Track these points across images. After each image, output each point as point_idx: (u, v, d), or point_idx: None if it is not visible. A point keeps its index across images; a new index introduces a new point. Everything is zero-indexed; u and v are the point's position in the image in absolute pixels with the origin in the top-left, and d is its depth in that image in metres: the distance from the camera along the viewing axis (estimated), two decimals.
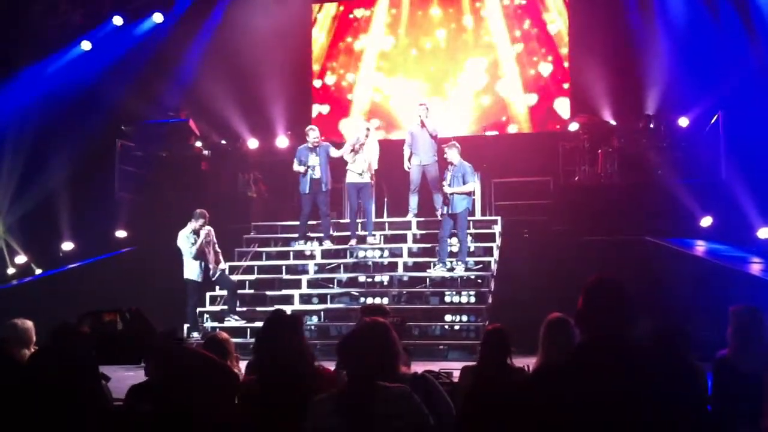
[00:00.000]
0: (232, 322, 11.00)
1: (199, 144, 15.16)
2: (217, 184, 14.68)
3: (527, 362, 5.17)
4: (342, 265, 12.15)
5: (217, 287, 11.56)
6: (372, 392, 3.42)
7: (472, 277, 11.38)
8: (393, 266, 11.97)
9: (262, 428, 3.97)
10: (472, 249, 11.87)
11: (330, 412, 3.43)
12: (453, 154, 11.25)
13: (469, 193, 11.33)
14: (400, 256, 12.09)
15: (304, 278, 11.94)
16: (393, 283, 11.71)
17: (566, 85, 15.35)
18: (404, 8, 16.21)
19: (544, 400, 3.16)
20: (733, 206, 11.50)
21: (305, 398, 3.61)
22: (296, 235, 12.58)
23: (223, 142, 15.76)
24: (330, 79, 16.52)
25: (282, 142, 15.63)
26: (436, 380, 4.69)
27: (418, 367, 5.38)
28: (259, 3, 15.79)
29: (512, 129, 15.62)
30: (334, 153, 12.15)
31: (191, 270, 10.95)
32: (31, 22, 14.55)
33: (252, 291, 11.95)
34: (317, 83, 16.53)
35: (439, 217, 11.74)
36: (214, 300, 11.72)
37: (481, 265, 11.60)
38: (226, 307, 11.32)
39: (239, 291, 11.57)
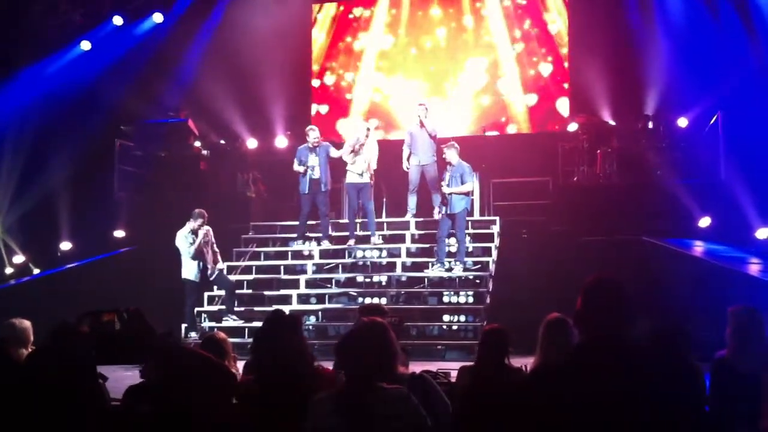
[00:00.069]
0: (230, 322, 10.99)
1: (198, 144, 15.16)
2: (216, 184, 14.67)
3: (525, 362, 5.17)
4: (340, 265, 12.14)
5: (215, 287, 11.56)
6: (371, 392, 3.42)
7: (471, 277, 11.38)
8: (391, 266, 11.97)
9: (260, 428, 3.97)
10: (470, 249, 11.87)
11: (329, 412, 3.43)
12: (451, 155, 11.25)
13: (467, 193, 11.33)
14: (399, 256, 12.09)
15: (303, 278, 11.94)
16: (391, 283, 11.70)
17: (566, 86, 15.35)
18: (404, 8, 16.20)
19: (542, 400, 3.16)
20: (732, 207, 11.50)
21: (305, 398, 3.61)
22: (295, 235, 12.59)
23: (222, 141, 15.75)
24: (329, 79, 16.51)
25: (281, 142, 15.63)
26: (434, 380, 4.70)
27: (416, 367, 5.39)
28: (259, 3, 15.77)
29: (511, 129, 15.62)
30: (334, 153, 12.15)
31: (189, 270, 10.94)
32: (31, 22, 14.54)
33: (250, 291, 11.95)
34: (316, 83, 16.53)
35: (436, 217, 11.74)
36: (212, 300, 11.71)
37: (479, 266, 11.60)
38: (224, 307, 11.31)
39: (237, 291, 11.57)
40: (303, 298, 11.63)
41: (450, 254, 11.49)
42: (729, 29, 13.14)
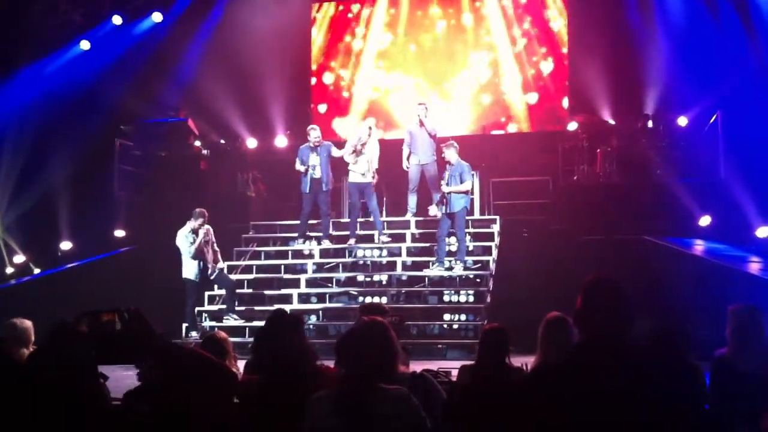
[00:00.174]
0: (231, 321, 10.99)
1: (198, 143, 15.16)
2: (216, 183, 14.67)
3: (525, 361, 5.17)
4: (341, 265, 12.15)
5: (216, 286, 11.56)
6: (370, 392, 3.42)
7: (471, 276, 11.38)
8: (392, 265, 11.97)
9: (261, 428, 3.97)
10: (470, 248, 11.87)
11: (328, 411, 3.42)
12: (451, 154, 11.26)
13: (467, 192, 11.32)
14: (399, 255, 12.09)
15: (303, 277, 11.94)
16: (392, 282, 11.70)
17: (565, 85, 15.34)
18: (403, 7, 16.20)
19: (542, 399, 3.16)
20: (732, 205, 11.50)
21: (306, 398, 3.61)
22: (296, 234, 12.59)
23: (222, 141, 15.76)
24: (328, 78, 16.52)
25: (281, 141, 15.64)
26: (435, 379, 4.70)
27: (417, 366, 5.39)
28: (259, 3, 15.78)
29: (512, 128, 15.62)
30: (336, 153, 12.16)
31: (189, 270, 10.95)
32: (30, 21, 14.54)
33: (250, 290, 11.95)
34: (316, 83, 16.52)
35: (430, 214, 11.75)
36: (212, 299, 11.71)
37: (479, 265, 11.60)
38: (224, 306, 11.31)
39: (238, 290, 11.57)
40: (303, 298, 11.64)
41: (450, 253, 11.49)
42: (729, 28, 13.15)
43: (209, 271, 11.06)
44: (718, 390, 4.97)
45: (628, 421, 2.97)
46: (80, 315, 4.31)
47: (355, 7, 16.50)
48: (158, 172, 14.42)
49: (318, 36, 16.59)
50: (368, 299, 10.99)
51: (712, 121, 12.84)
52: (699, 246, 11.52)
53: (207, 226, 11.01)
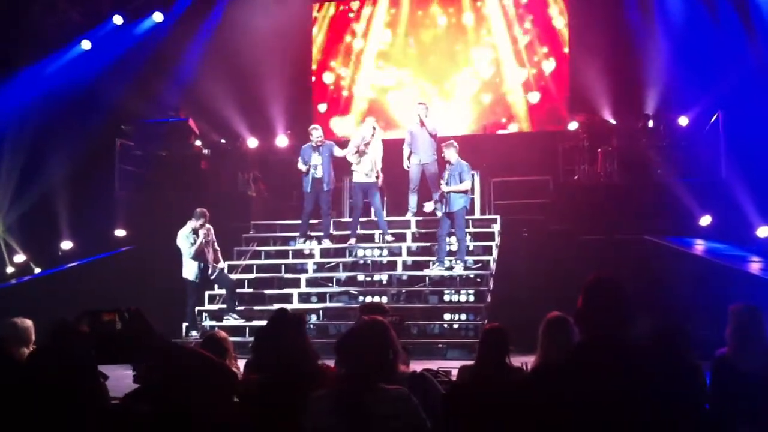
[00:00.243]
0: (231, 320, 10.99)
1: (198, 143, 15.16)
2: (216, 183, 14.67)
3: (525, 361, 5.17)
4: (341, 264, 12.15)
5: (216, 286, 11.56)
6: (370, 391, 3.42)
7: (471, 275, 11.38)
8: (392, 265, 11.97)
9: (261, 427, 3.96)
10: (471, 248, 11.87)
11: (328, 410, 3.42)
12: (450, 153, 11.25)
13: (466, 192, 11.30)
14: (399, 255, 12.09)
15: (303, 277, 11.94)
16: (392, 281, 11.71)
17: (566, 84, 15.34)
18: (404, 7, 16.20)
19: (543, 398, 3.16)
20: (733, 205, 11.50)
21: (307, 397, 3.61)
22: (297, 234, 12.59)
23: (223, 141, 15.76)
24: (329, 77, 16.52)
25: (281, 141, 15.64)
26: (435, 379, 4.70)
27: (417, 366, 5.39)
28: (259, 2, 15.78)
29: (513, 128, 15.62)
30: (338, 152, 12.15)
31: (189, 270, 10.94)
32: (30, 21, 14.53)
33: (251, 290, 11.95)
34: (316, 82, 16.53)
35: (426, 211, 11.75)
36: (212, 299, 11.71)
37: (480, 264, 11.60)
38: (224, 306, 11.31)
39: (238, 290, 11.56)
40: (304, 297, 11.64)
41: (450, 253, 11.49)
42: (728, 28, 13.15)
43: (209, 271, 11.05)
44: (719, 390, 4.97)
45: (629, 421, 2.97)
46: (81, 314, 4.31)
47: (355, 5, 16.49)
48: (159, 171, 14.42)
49: (318, 35, 16.59)
50: (368, 299, 10.98)
51: (712, 120, 12.84)
52: (700, 246, 11.52)
53: (208, 226, 11.01)
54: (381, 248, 12.22)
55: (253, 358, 4.84)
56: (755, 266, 10.00)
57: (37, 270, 13.48)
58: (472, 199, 12.44)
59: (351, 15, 16.52)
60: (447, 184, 11.17)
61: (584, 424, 3.01)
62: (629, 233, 11.81)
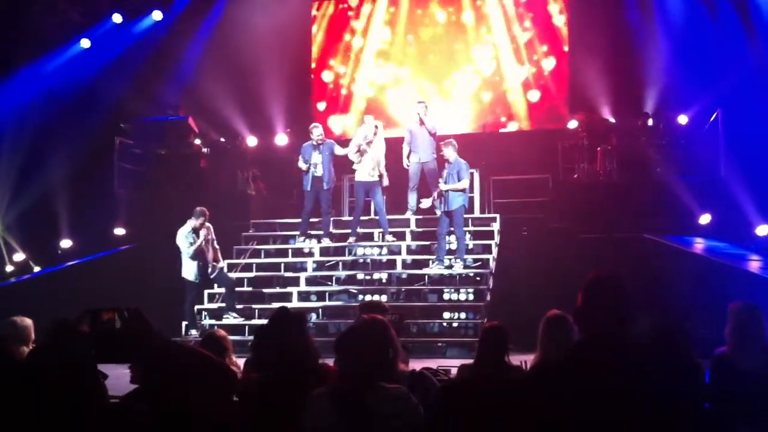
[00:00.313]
0: (231, 319, 10.99)
1: (198, 141, 15.16)
2: (216, 181, 14.66)
3: (525, 359, 5.17)
4: (341, 263, 12.15)
5: (216, 285, 11.55)
6: (370, 390, 3.42)
7: (471, 274, 11.38)
8: (391, 264, 11.98)
9: (261, 426, 3.96)
10: (470, 246, 11.87)
11: (328, 409, 3.42)
12: (449, 152, 11.25)
13: (464, 190, 11.28)
14: (399, 253, 12.09)
15: (303, 276, 11.94)
16: (391, 280, 11.71)
17: (566, 83, 15.34)
18: (403, 5, 16.19)
19: (542, 396, 3.16)
20: (732, 204, 11.51)
21: (308, 395, 3.61)
22: (297, 232, 12.59)
23: (222, 139, 15.76)
24: (328, 76, 16.52)
25: (281, 139, 15.64)
26: (434, 377, 4.70)
27: (417, 365, 5.40)
28: (258, 1, 15.78)
29: (512, 126, 15.63)
30: (339, 151, 12.14)
31: (189, 270, 10.92)
32: (30, 20, 14.52)
33: (250, 288, 11.95)
34: (316, 81, 16.53)
35: (422, 207, 11.75)
36: (212, 297, 11.71)
37: (479, 263, 11.60)
38: (224, 304, 11.32)
39: (237, 288, 11.56)
40: (303, 296, 11.65)
41: (450, 251, 11.49)
42: (728, 27, 13.15)
43: (209, 270, 11.04)
44: (718, 388, 4.97)
45: (628, 419, 2.98)
46: (82, 313, 4.31)
47: (354, 2, 16.48)
48: (158, 170, 14.43)
49: (317, 34, 16.58)
50: (368, 297, 10.98)
51: (712, 119, 12.84)
52: (699, 244, 11.52)
53: (208, 225, 11.00)
54: (380, 247, 12.22)
55: (253, 357, 4.84)
56: (754, 265, 10.01)
57: (37, 269, 13.48)
58: (472, 198, 12.43)
59: (350, 13, 16.51)
60: (445, 182, 11.18)
61: (583, 422, 3.02)
62: (629, 232, 11.82)
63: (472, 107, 15.76)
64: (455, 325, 10.72)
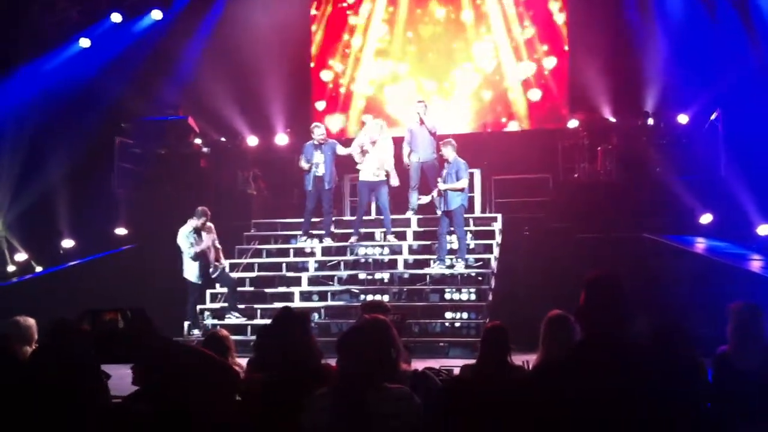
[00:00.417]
0: (233, 319, 11.00)
1: (198, 141, 15.16)
2: (216, 181, 14.66)
3: (527, 358, 5.17)
4: (342, 263, 12.15)
5: (218, 285, 11.56)
6: (371, 390, 3.42)
7: (473, 274, 11.38)
8: (393, 263, 11.98)
9: (264, 426, 3.97)
10: (472, 246, 11.87)
11: (327, 408, 3.43)
12: (448, 152, 11.24)
13: (463, 190, 11.26)
14: (401, 253, 12.09)
15: (305, 275, 11.94)
16: (393, 280, 11.71)
17: (566, 82, 15.35)
18: (402, 4, 16.18)
19: (543, 396, 3.17)
20: (733, 203, 11.51)
21: (311, 395, 3.61)
22: (299, 232, 12.59)
23: (223, 139, 15.76)
24: (327, 75, 16.52)
25: (281, 139, 15.64)
26: (437, 377, 4.71)
27: (419, 365, 5.40)
28: (258, 0, 15.79)
29: (513, 126, 15.63)
30: (341, 150, 12.13)
31: (190, 271, 10.90)
32: (29, 19, 14.52)
33: (252, 288, 11.95)
34: (315, 80, 16.53)
35: (421, 203, 11.75)
36: (214, 297, 11.72)
37: (481, 262, 11.60)
38: (226, 304, 11.32)
39: (239, 288, 11.57)
40: (305, 296, 11.65)
41: (451, 251, 11.49)
42: (727, 26, 13.15)
43: (211, 270, 11.04)
44: (719, 388, 4.98)
45: (627, 418, 2.98)
46: (83, 313, 4.33)
47: (353, 0, 16.47)
48: (158, 169, 14.43)
49: (317, 33, 16.59)
50: (370, 297, 10.97)
51: (712, 118, 12.84)
52: (700, 244, 11.53)
53: (210, 225, 11.00)
54: (382, 246, 12.22)
55: (255, 357, 4.85)
56: (755, 264, 10.02)
57: (39, 268, 13.48)
58: (472, 197, 12.43)
59: (349, 12, 16.51)
60: (444, 182, 11.17)
61: (583, 421, 3.02)
62: (629, 231, 11.81)
63: (473, 106, 15.76)
64: (457, 324, 10.71)
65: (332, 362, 4.44)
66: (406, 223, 12.56)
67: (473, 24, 15.88)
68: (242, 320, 11.03)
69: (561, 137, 14.45)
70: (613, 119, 14.53)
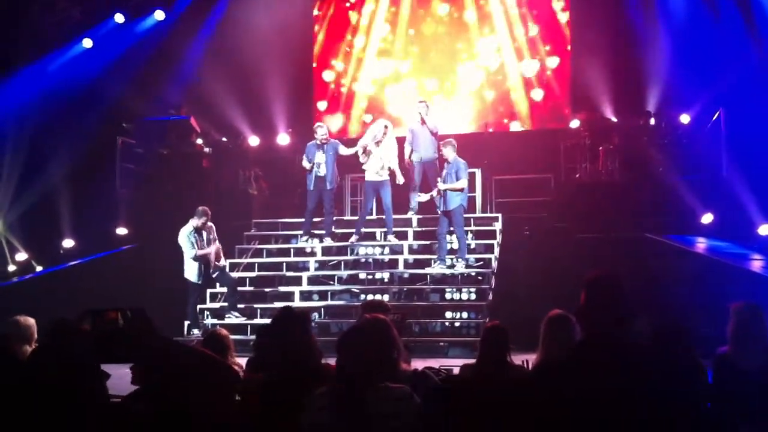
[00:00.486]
0: (233, 319, 11.00)
1: (200, 141, 15.17)
2: (218, 181, 14.68)
3: (526, 358, 5.17)
4: (343, 262, 12.15)
5: (218, 284, 11.56)
6: (371, 389, 3.42)
7: (473, 273, 11.38)
8: (393, 263, 11.98)
9: (264, 426, 3.97)
10: (472, 246, 11.86)
11: (326, 408, 3.42)
12: (448, 152, 11.24)
13: (462, 190, 11.25)
14: (401, 253, 12.09)
15: (305, 275, 11.94)
16: (393, 280, 11.71)
17: (568, 82, 15.34)
18: (404, 3, 16.18)
19: (543, 396, 3.16)
20: (734, 203, 11.49)
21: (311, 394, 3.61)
22: (299, 232, 12.59)
23: (224, 139, 15.76)
24: (329, 75, 16.52)
25: (283, 139, 15.64)
26: (437, 377, 4.70)
27: (419, 364, 5.39)
28: (260, 1, 15.80)
29: (514, 126, 15.63)
30: (344, 151, 12.12)
31: (191, 271, 10.89)
32: (30, 20, 14.53)
33: (252, 288, 11.95)
34: (317, 80, 16.53)
35: (421, 200, 11.74)
36: (214, 297, 11.72)
37: (481, 262, 11.60)
38: (226, 303, 11.32)
39: (239, 288, 11.56)
40: (305, 295, 11.65)
41: (452, 251, 11.49)
42: (730, 26, 13.13)
43: (211, 270, 11.04)
44: (719, 388, 4.97)
45: (627, 418, 2.98)
46: (83, 313, 4.31)
47: (357, 4, 16.47)
48: (160, 169, 14.43)
49: (319, 33, 16.59)
50: (370, 297, 10.97)
51: (714, 118, 12.83)
52: (701, 244, 11.52)
53: (210, 224, 11.00)
54: (382, 246, 12.22)
55: (255, 356, 4.85)
56: (757, 264, 10.00)
57: (39, 268, 13.48)
58: (473, 197, 12.41)
59: (352, 12, 16.51)
60: (444, 182, 11.17)
61: (583, 421, 3.02)
62: (630, 231, 11.80)
63: (475, 105, 15.76)
64: (457, 324, 10.71)
65: (332, 362, 4.45)
66: (407, 223, 12.56)
67: (476, 23, 15.87)
68: (242, 320, 11.03)
69: (563, 137, 14.44)
70: (614, 119, 14.52)
